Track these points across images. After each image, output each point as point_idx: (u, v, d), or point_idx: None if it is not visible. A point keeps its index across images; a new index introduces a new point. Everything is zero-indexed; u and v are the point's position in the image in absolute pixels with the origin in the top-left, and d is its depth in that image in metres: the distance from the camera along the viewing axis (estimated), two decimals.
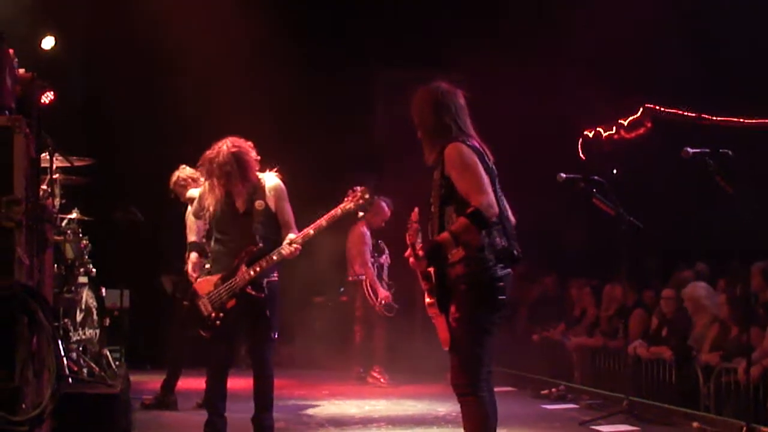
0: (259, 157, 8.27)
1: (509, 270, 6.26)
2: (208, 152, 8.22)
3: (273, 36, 14.89)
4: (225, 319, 8.10)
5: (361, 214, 8.04)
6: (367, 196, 7.95)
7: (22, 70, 6.14)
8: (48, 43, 14.55)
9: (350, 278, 14.00)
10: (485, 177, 6.18)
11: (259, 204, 8.13)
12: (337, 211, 7.97)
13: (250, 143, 8.25)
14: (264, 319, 8.15)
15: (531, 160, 14.63)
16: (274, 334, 8.26)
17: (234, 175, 8.07)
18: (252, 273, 7.96)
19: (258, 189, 8.19)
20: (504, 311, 6.32)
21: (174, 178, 10.93)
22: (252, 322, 8.20)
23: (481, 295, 6.17)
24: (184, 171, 10.86)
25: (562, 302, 14.85)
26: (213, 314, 8.11)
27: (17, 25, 12.62)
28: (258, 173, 8.25)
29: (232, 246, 8.17)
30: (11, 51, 5.75)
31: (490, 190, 6.12)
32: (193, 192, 10.62)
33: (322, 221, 7.95)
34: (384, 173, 15.47)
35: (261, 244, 8.03)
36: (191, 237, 8.65)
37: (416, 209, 6.53)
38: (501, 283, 6.19)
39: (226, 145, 8.14)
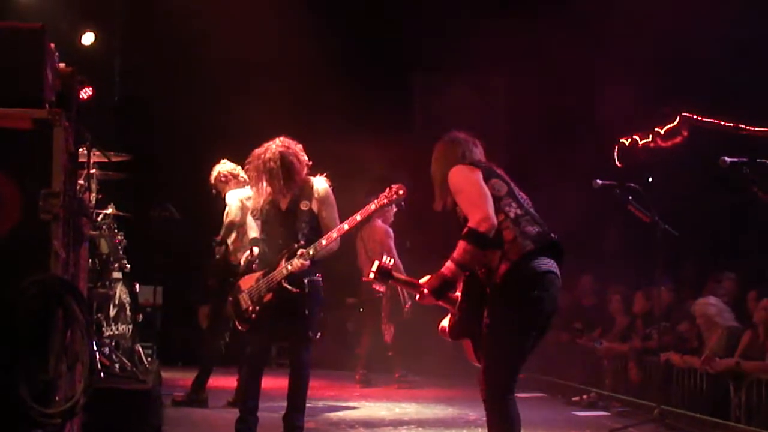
0: (309, 162, 8.32)
1: (552, 268, 6.12)
2: (257, 149, 8.29)
3: (312, 37, 14.93)
4: (261, 312, 8.13)
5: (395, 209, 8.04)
6: (401, 192, 7.94)
7: (62, 65, 6.18)
8: (88, 39, 14.66)
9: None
10: (481, 188, 6.14)
11: (304, 204, 8.17)
12: (371, 206, 7.96)
13: (300, 145, 8.32)
14: (302, 317, 8.16)
15: (567, 166, 14.62)
16: (314, 335, 8.27)
17: (276, 174, 8.12)
18: (289, 267, 7.98)
19: (305, 190, 8.23)
20: (543, 315, 6.14)
21: (215, 173, 11.03)
22: (289, 320, 8.20)
23: (515, 292, 6.04)
24: (225, 166, 10.97)
25: (597, 309, 14.77)
26: (251, 307, 8.14)
27: (59, 20, 12.73)
28: (309, 176, 8.30)
29: (275, 245, 8.22)
30: (52, 45, 5.78)
31: (484, 203, 6.06)
32: (235, 192, 10.71)
33: (356, 216, 7.95)
34: (420, 173, 15.47)
35: (302, 242, 8.05)
36: (252, 234, 8.66)
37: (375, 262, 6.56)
38: (540, 280, 6.05)
39: (275, 144, 8.24)
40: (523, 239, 6.06)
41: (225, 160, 11.07)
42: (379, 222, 13.72)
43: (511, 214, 6.15)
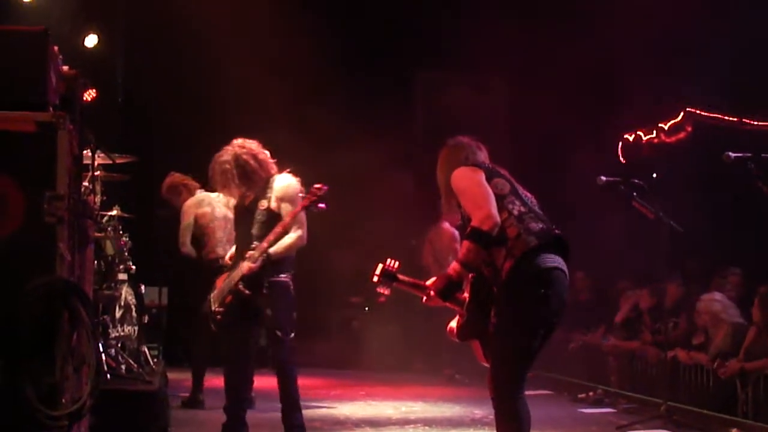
0: (271, 159, 8.36)
1: (558, 264, 6.09)
2: (217, 154, 8.35)
3: (314, 37, 14.93)
4: (225, 314, 8.23)
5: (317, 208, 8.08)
6: (321, 193, 7.99)
7: (66, 67, 6.18)
8: (91, 41, 14.66)
9: None
10: (483, 188, 6.14)
11: (261, 204, 8.18)
12: (297, 208, 8.05)
13: (256, 143, 8.35)
14: (264, 318, 8.21)
15: (569, 162, 14.61)
16: (284, 334, 8.21)
17: (231, 175, 8.16)
18: (244, 270, 8.05)
19: (267, 189, 8.23)
20: (550, 313, 6.11)
21: (164, 188, 11.24)
22: (252, 321, 8.30)
23: (521, 289, 6.02)
24: (173, 178, 11.22)
25: (601, 306, 14.76)
26: (216, 308, 8.21)
27: (62, 22, 12.74)
28: (275, 174, 8.31)
29: (238, 244, 8.33)
30: (56, 48, 5.79)
31: (487, 202, 6.05)
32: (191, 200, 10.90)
33: (287, 219, 8.01)
34: (422, 172, 15.48)
35: (255, 243, 8.07)
36: None
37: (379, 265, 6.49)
38: (546, 276, 6.02)
39: (231, 146, 8.28)
40: (527, 235, 6.04)
41: (173, 172, 11.30)
42: (446, 225, 13.82)
43: (515, 212, 6.13)
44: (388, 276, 6.40)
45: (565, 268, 6.15)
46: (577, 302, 14.83)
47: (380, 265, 6.42)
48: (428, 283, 6.30)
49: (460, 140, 6.68)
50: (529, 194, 6.39)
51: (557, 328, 6.31)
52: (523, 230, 6.06)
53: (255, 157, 8.21)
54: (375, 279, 6.43)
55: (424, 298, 6.32)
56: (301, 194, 8.21)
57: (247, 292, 8.07)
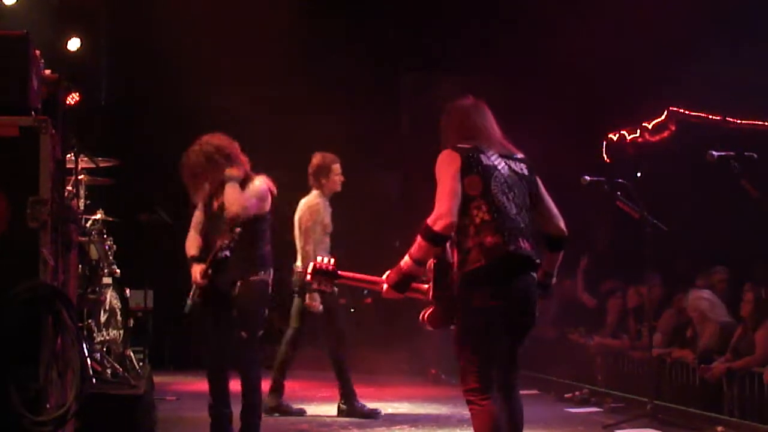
0: (241, 157, 8.21)
1: (496, 291, 5.82)
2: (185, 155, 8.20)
3: (299, 39, 14.92)
4: (198, 319, 8.21)
5: None
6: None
7: (48, 71, 6.17)
8: (74, 44, 14.63)
9: None
10: (452, 183, 5.87)
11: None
12: None
13: (225, 137, 8.23)
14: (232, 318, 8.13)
15: (555, 162, 14.61)
16: (248, 334, 8.08)
17: (201, 178, 8.07)
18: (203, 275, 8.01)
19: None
20: (505, 319, 5.87)
21: None
22: (225, 322, 8.16)
23: (468, 303, 5.86)
24: None
25: (586, 306, 14.77)
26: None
27: (44, 26, 12.70)
28: (252, 176, 8.16)
29: (208, 245, 8.13)
30: (38, 52, 5.78)
31: (449, 199, 5.81)
32: None
33: None
34: (409, 173, 15.49)
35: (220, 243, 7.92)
36: None
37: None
38: (488, 292, 5.80)
39: (198, 144, 8.17)
40: (478, 253, 5.82)
41: None
42: None
43: (477, 220, 5.88)
44: (322, 273, 6.28)
45: (512, 284, 5.90)
46: (569, 303, 14.85)
47: (311, 264, 6.30)
48: (384, 277, 6.16)
49: (459, 104, 6.50)
50: (517, 191, 6.12)
51: (526, 331, 6.10)
52: (476, 245, 5.84)
53: (221, 152, 8.08)
54: (308, 277, 6.33)
55: (383, 290, 6.14)
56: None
57: (196, 299, 8.02)
